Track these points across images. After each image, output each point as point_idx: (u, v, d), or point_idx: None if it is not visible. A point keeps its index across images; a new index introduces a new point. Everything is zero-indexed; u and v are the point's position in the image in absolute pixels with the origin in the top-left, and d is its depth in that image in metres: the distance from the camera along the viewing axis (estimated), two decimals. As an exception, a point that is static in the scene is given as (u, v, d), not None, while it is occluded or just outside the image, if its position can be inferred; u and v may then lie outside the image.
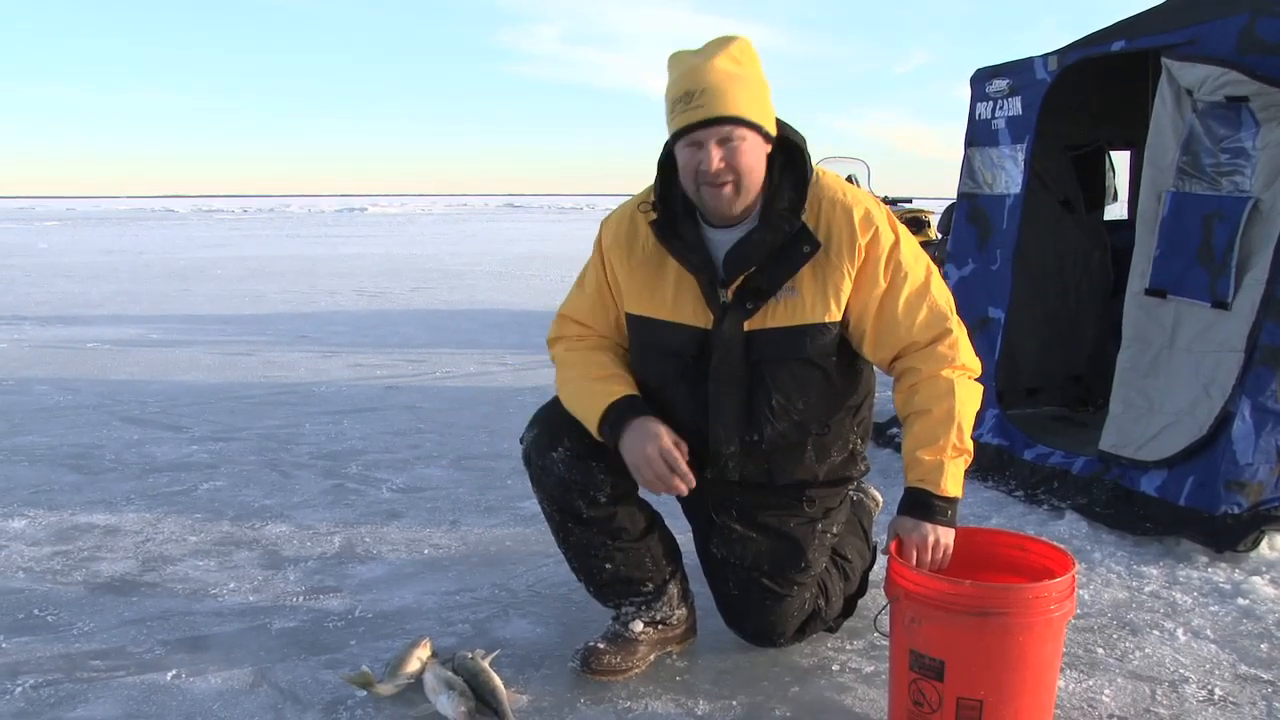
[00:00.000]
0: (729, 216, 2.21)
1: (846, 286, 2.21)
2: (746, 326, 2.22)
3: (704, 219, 2.26)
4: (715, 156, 2.11)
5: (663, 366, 2.32)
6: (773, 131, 2.20)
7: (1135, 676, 2.42)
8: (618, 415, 2.20)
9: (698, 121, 2.09)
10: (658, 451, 2.16)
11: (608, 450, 2.28)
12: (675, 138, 2.16)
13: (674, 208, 2.26)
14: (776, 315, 2.22)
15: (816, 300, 2.21)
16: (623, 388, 2.25)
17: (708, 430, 2.30)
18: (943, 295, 2.28)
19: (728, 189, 2.15)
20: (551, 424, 2.34)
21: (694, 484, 2.20)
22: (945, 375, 2.21)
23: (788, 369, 2.25)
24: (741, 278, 2.21)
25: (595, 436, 2.25)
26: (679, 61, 2.15)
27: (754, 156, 2.16)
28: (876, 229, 2.22)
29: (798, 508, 2.41)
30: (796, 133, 2.26)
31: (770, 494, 2.40)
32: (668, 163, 2.27)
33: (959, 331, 2.26)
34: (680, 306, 2.26)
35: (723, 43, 2.15)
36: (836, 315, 2.23)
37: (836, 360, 2.29)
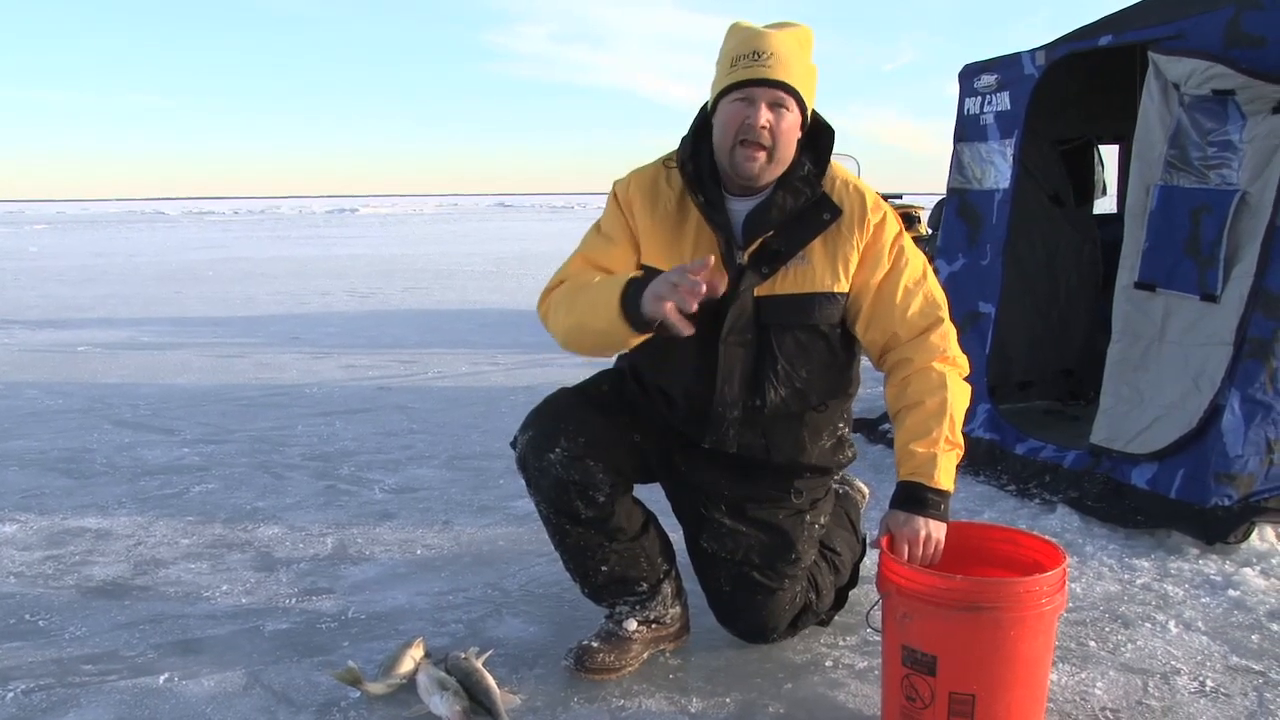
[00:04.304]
0: (753, 184, 2.23)
1: (854, 259, 2.27)
2: (756, 292, 2.25)
3: (724, 188, 2.28)
4: (764, 115, 2.15)
5: None
6: (809, 120, 2.26)
7: (1127, 669, 2.43)
8: (639, 284, 2.03)
9: (759, 78, 2.14)
10: (671, 282, 1.95)
11: (604, 448, 2.30)
12: (727, 90, 2.18)
13: (701, 168, 2.28)
14: (786, 283, 2.25)
15: (825, 270, 2.25)
16: (635, 274, 2.11)
17: (713, 394, 2.30)
18: (938, 290, 2.33)
19: (762, 155, 2.18)
20: (546, 425, 2.33)
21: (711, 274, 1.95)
22: (937, 369, 2.24)
23: (794, 336, 2.28)
24: (759, 242, 2.24)
25: (622, 323, 2.04)
26: (744, 28, 2.21)
27: (792, 132, 2.21)
28: (886, 214, 2.30)
29: (785, 499, 2.43)
30: (825, 121, 2.32)
31: (759, 483, 2.41)
32: (700, 126, 2.31)
33: (950, 325, 2.31)
34: None
35: (792, 24, 2.23)
36: (844, 286, 2.27)
37: (840, 333, 2.33)
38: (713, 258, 1.99)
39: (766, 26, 2.21)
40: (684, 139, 2.33)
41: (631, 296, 2.02)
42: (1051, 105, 4.33)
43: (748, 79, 2.15)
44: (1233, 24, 3.18)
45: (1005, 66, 4.23)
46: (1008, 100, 4.21)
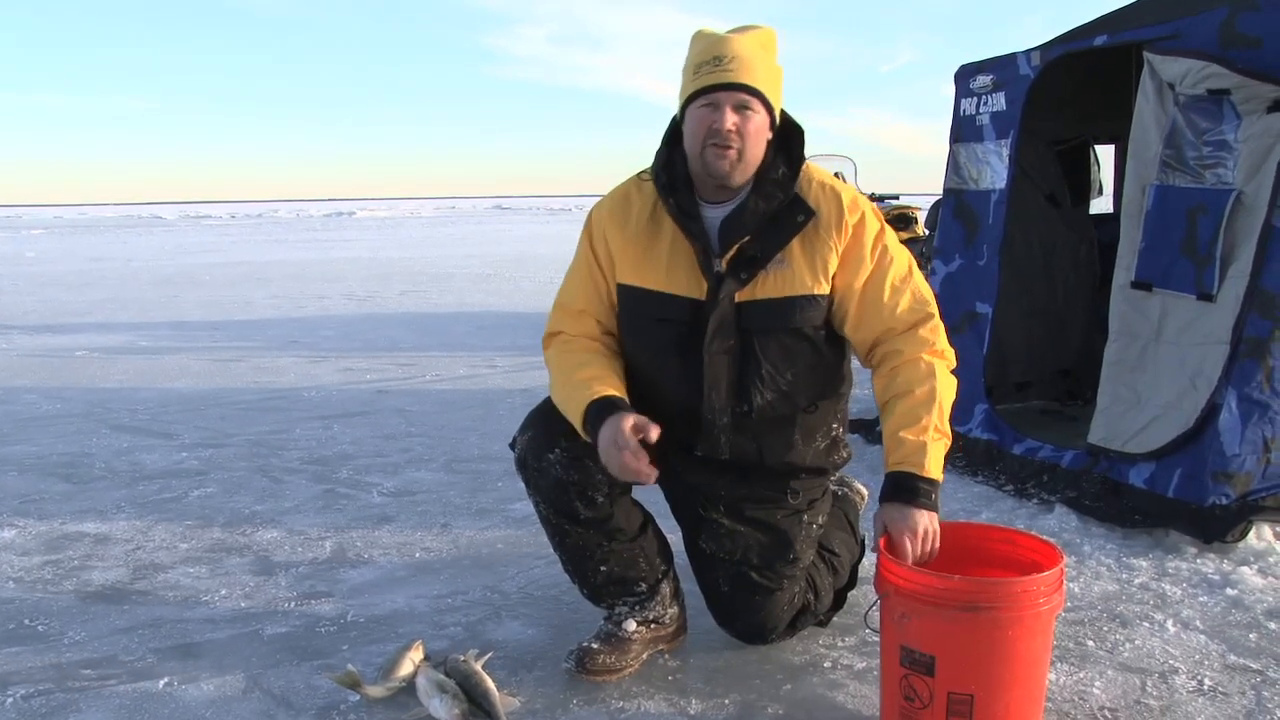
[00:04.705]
0: (725, 185, 2.24)
1: (834, 261, 2.26)
2: (737, 298, 2.25)
3: (699, 195, 2.30)
4: (729, 118, 2.17)
5: (654, 337, 2.33)
6: (777, 120, 2.28)
7: (1125, 668, 2.43)
8: (598, 412, 2.18)
9: (723, 83, 2.16)
10: (613, 440, 2.11)
11: None
12: (693, 97, 2.20)
13: (675, 178, 2.29)
14: (766, 287, 2.26)
15: (805, 272, 2.26)
16: (606, 388, 2.23)
17: (700, 402, 2.31)
18: (924, 285, 2.34)
19: (731, 154, 2.19)
20: (546, 426, 2.34)
21: (650, 475, 2.13)
22: (926, 359, 2.25)
23: (777, 340, 2.28)
24: (735, 248, 2.25)
25: (582, 434, 2.25)
26: (706, 34, 2.23)
27: (761, 133, 2.23)
28: (864, 213, 2.29)
29: (783, 500, 2.43)
30: (795, 121, 2.32)
31: (756, 484, 2.41)
32: (672, 137, 2.32)
33: (939, 319, 2.31)
34: (674, 277, 2.29)
35: (752, 27, 2.24)
36: (825, 288, 2.27)
37: (824, 335, 2.33)
38: (655, 431, 2.12)
39: (729, 31, 2.22)
40: (658, 151, 2.35)
41: (589, 426, 2.18)
42: (1047, 105, 4.34)
43: (711, 84, 2.17)
44: (1227, 24, 3.19)
45: (1001, 67, 4.24)
46: (1003, 101, 4.21)
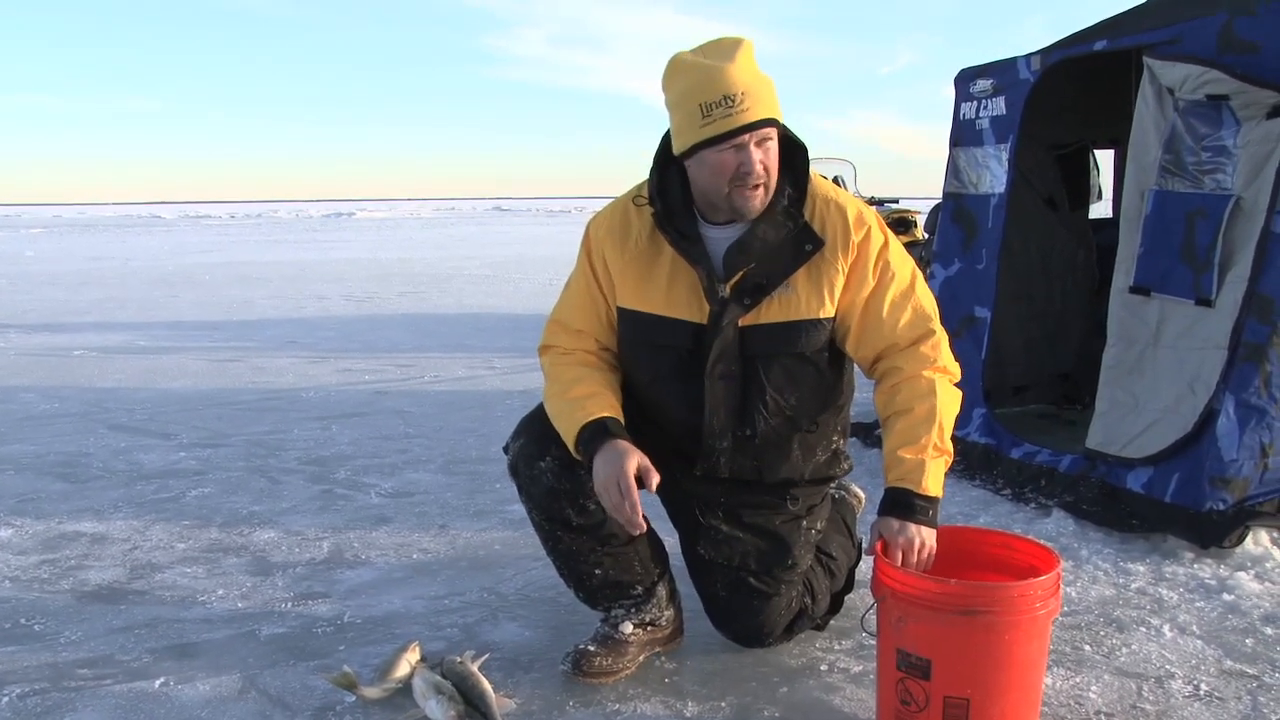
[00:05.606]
0: (749, 215, 2.20)
1: (840, 282, 2.24)
2: (741, 322, 2.23)
3: (700, 215, 2.27)
4: (758, 158, 2.12)
5: (655, 361, 2.32)
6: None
7: (1122, 673, 2.43)
8: (591, 436, 2.17)
9: (745, 125, 2.09)
10: (615, 481, 2.11)
11: None
12: (713, 141, 2.10)
13: (671, 203, 2.25)
14: (771, 311, 2.23)
15: (811, 296, 2.23)
16: (600, 408, 2.21)
17: (701, 425, 2.30)
18: (927, 298, 2.31)
19: (760, 191, 2.16)
20: (538, 434, 2.33)
21: (640, 527, 2.14)
22: (927, 375, 2.23)
23: (781, 364, 2.27)
24: (741, 273, 2.22)
25: (574, 455, 2.23)
26: (695, 66, 2.11)
27: (776, 155, 2.19)
28: (869, 228, 2.26)
29: (782, 506, 2.43)
30: (796, 137, 2.28)
31: (756, 492, 2.41)
32: (662, 159, 2.27)
33: (941, 334, 2.29)
34: (674, 301, 2.26)
35: (735, 45, 2.13)
36: (830, 311, 2.25)
37: (827, 356, 2.31)
38: (655, 479, 2.12)
39: (713, 57, 2.11)
40: (651, 171, 2.29)
41: (582, 447, 2.17)
42: (1047, 110, 4.34)
43: (734, 129, 2.08)
44: (1226, 29, 3.19)
45: (1001, 71, 4.24)
46: (1003, 105, 4.22)
